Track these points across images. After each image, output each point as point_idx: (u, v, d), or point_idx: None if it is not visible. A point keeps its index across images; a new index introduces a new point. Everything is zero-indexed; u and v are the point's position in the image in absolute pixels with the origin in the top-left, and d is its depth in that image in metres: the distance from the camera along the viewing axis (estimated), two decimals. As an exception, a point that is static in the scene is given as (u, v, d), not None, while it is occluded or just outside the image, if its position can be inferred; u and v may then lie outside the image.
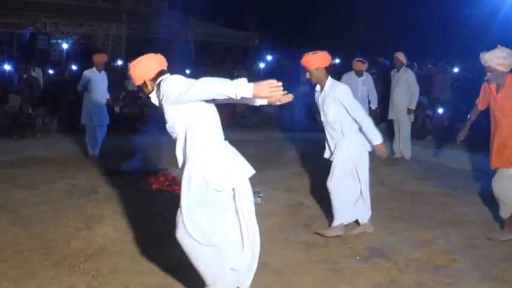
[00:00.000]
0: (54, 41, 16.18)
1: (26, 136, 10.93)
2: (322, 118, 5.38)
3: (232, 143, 10.19)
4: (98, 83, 8.85)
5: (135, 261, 4.66)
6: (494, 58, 4.94)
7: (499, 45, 5.01)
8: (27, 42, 15.44)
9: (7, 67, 13.19)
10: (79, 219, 5.74)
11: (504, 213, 5.22)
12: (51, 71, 13.49)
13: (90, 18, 15.82)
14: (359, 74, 9.01)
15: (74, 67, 13.95)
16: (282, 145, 10.53)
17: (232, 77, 15.14)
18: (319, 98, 5.36)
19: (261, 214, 5.86)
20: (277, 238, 5.25)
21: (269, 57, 16.59)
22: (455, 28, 16.05)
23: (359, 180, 5.34)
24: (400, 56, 9.16)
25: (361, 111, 5.21)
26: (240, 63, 16.40)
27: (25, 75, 12.98)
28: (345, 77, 9.06)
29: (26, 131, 11.18)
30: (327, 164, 8.51)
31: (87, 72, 8.84)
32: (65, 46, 16.18)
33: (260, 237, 4.96)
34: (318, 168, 8.34)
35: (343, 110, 5.12)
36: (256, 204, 6.08)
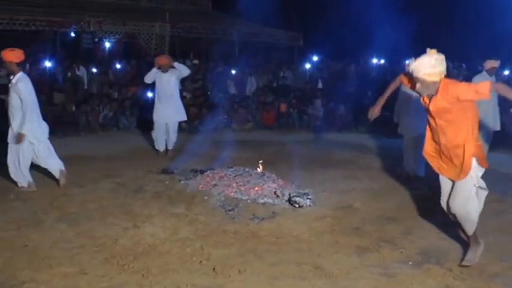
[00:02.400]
0: (97, 39, 16.38)
1: (69, 134, 11.01)
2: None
3: (278, 144, 10.14)
4: (164, 82, 9.04)
5: (185, 261, 4.60)
6: (421, 68, 4.25)
7: (428, 49, 4.30)
8: (72, 40, 15.62)
9: (49, 64, 13.34)
10: (126, 217, 5.70)
11: (470, 231, 4.58)
12: (95, 70, 13.61)
13: (133, 17, 15.92)
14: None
15: (117, 66, 14.03)
16: (328, 147, 10.38)
17: (277, 78, 15.11)
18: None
19: (311, 216, 5.92)
20: (328, 241, 5.18)
21: (315, 58, 16.40)
22: (506, 30, 15.54)
23: None
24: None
25: None
26: (285, 64, 16.25)
27: (69, 74, 13.14)
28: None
29: (70, 129, 11.27)
30: (375, 168, 8.46)
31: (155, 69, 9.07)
32: (107, 45, 16.34)
33: (310, 239, 5.14)
34: (366, 171, 8.24)
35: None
36: (306, 207, 6.09)
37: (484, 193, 4.56)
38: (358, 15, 15.06)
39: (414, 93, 5.75)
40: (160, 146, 9.24)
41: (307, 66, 16.13)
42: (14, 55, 6.49)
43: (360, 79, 14.74)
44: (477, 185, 4.47)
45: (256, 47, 17.48)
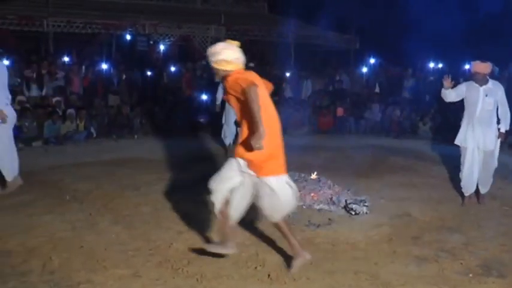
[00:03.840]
0: (152, 42, 16.58)
1: (124, 136, 11.19)
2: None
3: (334, 149, 9.91)
4: None
5: (240, 266, 4.54)
6: (210, 55, 4.28)
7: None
8: (127, 43, 15.88)
9: (105, 67, 13.58)
10: (180, 221, 5.69)
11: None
12: (149, 72, 13.77)
13: (188, 20, 16.01)
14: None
15: (172, 68, 14.15)
16: (385, 153, 10.20)
17: (333, 81, 14.90)
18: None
19: (368, 224, 5.77)
20: (385, 250, 5.07)
21: (372, 61, 16.11)
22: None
23: None
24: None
25: None
26: (342, 68, 16.02)
27: (124, 76, 13.33)
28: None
29: (124, 131, 11.44)
30: (434, 176, 8.18)
31: None
32: (162, 47, 16.56)
33: (367, 247, 5.06)
34: (424, 179, 7.98)
35: None
36: (362, 214, 5.91)
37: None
38: (416, 18, 14.70)
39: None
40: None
41: (364, 69, 15.85)
42: None
43: (418, 83, 14.39)
44: None
45: (312, 50, 17.33)
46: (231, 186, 4.33)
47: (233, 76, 4.21)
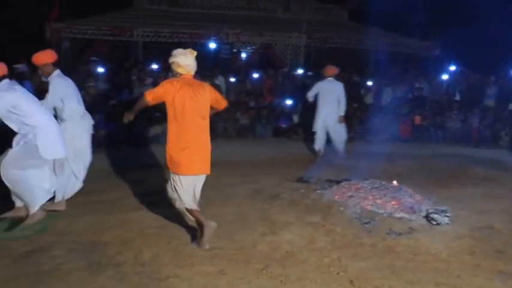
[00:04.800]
0: (235, 50, 17.00)
1: (207, 139, 11.48)
2: None
3: (413, 157, 9.70)
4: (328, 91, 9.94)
5: (322, 271, 4.60)
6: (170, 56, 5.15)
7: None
8: (210, 51, 16.35)
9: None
10: (264, 223, 5.82)
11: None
12: (232, 79, 14.12)
13: (270, 28, 16.31)
14: None
15: (255, 75, 14.43)
16: (465, 162, 9.88)
17: (413, 89, 14.66)
18: None
19: (449, 235, 5.64)
20: (468, 263, 4.94)
21: (452, 68, 15.69)
22: None
23: None
24: None
25: None
26: (422, 75, 15.74)
27: (208, 83, 13.73)
28: None
29: (208, 135, 11.74)
30: None
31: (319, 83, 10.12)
32: (244, 55, 16.92)
33: (449, 259, 4.97)
34: (507, 190, 7.71)
35: None
36: (444, 224, 5.83)
37: None
38: (497, 25, 14.19)
39: None
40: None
41: (445, 77, 15.45)
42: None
43: (501, 91, 13.85)
44: None
45: (392, 57, 17.08)
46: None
47: (172, 79, 5.12)
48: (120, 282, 4.36)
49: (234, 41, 16.37)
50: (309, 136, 10.59)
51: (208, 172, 5.19)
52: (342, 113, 9.96)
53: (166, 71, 13.79)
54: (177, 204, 5.17)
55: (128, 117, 5.20)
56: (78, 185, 6.45)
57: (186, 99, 4.91)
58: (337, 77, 10.14)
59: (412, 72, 16.08)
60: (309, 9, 18.16)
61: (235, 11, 17.08)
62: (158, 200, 6.76)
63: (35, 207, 5.58)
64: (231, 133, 12.17)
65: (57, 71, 6.05)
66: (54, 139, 5.60)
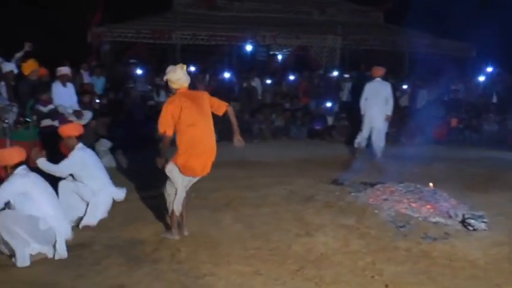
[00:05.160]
0: (272, 52, 17.11)
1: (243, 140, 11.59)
2: None
3: (449, 160, 9.53)
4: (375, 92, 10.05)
5: (357, 274, 4.62)
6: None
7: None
8: (247, 53, 16.47)
9: (227, 75, 14.18)
10: (298, 224, 5.87)
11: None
12: (268, 81, 14.21)
13: (306, 31, 16.34)
14: None
15: (291, 77, 14.49)
16: (502, 166, 9.73)
17: (449, 91, 14.47)
18: None
19: (486, 241, 5.54)
20: (507, 270, 4.83)
21: (489, 69, 15.40)
22: None
23: None
24: None
25: None
26: (458, 77, 15.50)
27: (245, 84, 13.86)
28: None
29: (244, 136, 11.82)
30: None
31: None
32: (279, 57, 16.98)
33: (487, 266, 4.88)
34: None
35: None
36: (480, 230, 5.75)
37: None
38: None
39: None
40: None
41: (481, 78, 15.18)
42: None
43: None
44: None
45: (428, 58, 16.85)
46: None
47: (170, 98, 5.34)
48: (157, 278, 4.49)
49: (270, 44, 16.45)
50: (344, 138, 10.57)
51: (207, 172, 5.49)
52: (389, 113, 10.03)
53: (204, 73, 14.02)
54: (170, 206, 5.42)
55: (161, 163, 5.30)
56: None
57: (192, 110, 5.16)
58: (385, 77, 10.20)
59: (448, 74, 15.83)
60: (345, 11, 18.13)
61: (271, 13, 17.17)
62: (194, 199, 6.93)
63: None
64: (266, 134, 12.28)
65: (80, 145, 5.96)
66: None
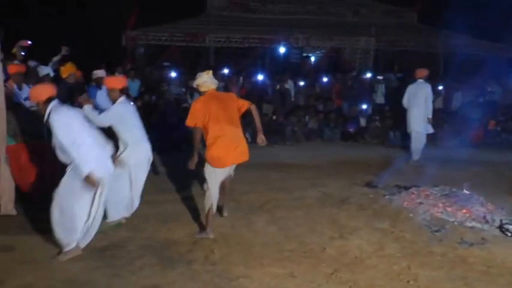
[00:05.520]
0: (305, 54, 17.05)
1: (276, 142, 11.62)
2: None
3: (485, 164, 9.30)
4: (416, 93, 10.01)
5: (392, 278, 4.59)
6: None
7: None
8: (280, 55, 16.47)
9: (260, 78, 14.20)
10: (332, 227, 5.85)
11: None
12: (301, 83, 14.17)
13: (339, 33, 16.25)
14: None
15: (324, 79, 14.42)
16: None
17: (485, 93, 14.18)
18: None
19: None
20: None
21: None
22: None
23: None
24: None
25: None
26: (494, 78, 15.16)
27: (278, 87, 13.85)
28: None
29: (277, 138, 11.88)
30: None
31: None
32: (313, 59, 16.91)
33: None
34: None
35: None
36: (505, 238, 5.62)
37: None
38: None
39: None
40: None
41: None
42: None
43: None
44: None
45: (463, 59, 16.50)
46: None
47: (198, 98, 5.86)
48: (191, 279, 4.54)
49: (303, 46, 16.41)
50: (377, 140, 10.47)
51: (240, 161, 5.76)
52: (430, 115, 9.99)
53: (237, 75, 14.09)
54: (207, 202, 5.66)
55: (194, 163, 5.67)
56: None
57: (217, 109, 5.60)
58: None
59: (483, 76, 15.51)
60: (378, 12, 17.92)
61: (305, 15, 17.11)
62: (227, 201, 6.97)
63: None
64: (299, 136, 12.26)
65: (122, 99, 6.05)
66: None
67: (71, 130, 4.88)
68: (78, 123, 5.00)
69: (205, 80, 5.77)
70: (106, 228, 5.63)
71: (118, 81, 6.26)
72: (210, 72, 5.89)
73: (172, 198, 7.10)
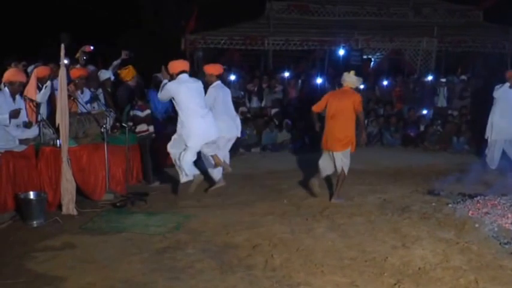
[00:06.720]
0: (366, 56, 16.77)
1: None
2: None
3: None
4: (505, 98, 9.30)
5: (458, 291, 4.41)
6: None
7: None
8: (339, 57, 16.28)
9: (320, 81, 14.08)
10: (394, 236, 5.73)
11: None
12: (361, 86, 13.92)
13: (400, 34, 15.87)
14: None
15: (384, 82, 14.16)
16: None
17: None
18: None
19: None
20: None
21: None
22: None
23: None
24: None
25: None
26: None
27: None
28: None
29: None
30: None
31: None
32: (373, 61, 16.60)
33: None
34: None
35: None
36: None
37: None
38: None
39: None
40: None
41: None
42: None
43: None
44: None
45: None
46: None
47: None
48: (251, 284, 4.53)
49: (364, 47, 16.15)
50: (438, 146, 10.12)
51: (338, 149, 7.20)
52: None
53: (297, 78, 14.04)
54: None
55: (317, 127, 7.58)
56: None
57: (334, 102, 7.17)
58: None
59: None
60: (441, 11, 17.34)
61: (365, 16, 16.84)
62: (286, 205, 6.96)
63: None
64: (359, 141, 12.04)
65: (216, 83, 7.56)
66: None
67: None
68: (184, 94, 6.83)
69: (345, 79, 7.22)
70: (165, 231, 5.89)
71: (215, 68, 7.71)
72: (352, 72, 7.31)
73: (232, 202, 7.16)
